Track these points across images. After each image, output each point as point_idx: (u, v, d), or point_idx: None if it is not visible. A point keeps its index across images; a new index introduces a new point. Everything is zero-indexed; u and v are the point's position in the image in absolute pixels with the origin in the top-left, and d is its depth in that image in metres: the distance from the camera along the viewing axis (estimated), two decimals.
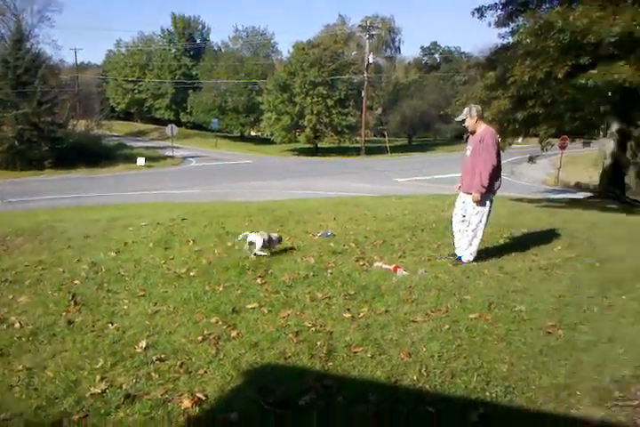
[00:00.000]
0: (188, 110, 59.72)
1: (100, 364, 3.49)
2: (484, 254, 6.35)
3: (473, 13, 14.66)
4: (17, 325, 4.28)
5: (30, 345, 3.89)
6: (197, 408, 2.90)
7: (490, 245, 6.92)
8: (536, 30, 11.34)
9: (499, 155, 5.78)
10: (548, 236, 7.57)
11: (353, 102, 47.45)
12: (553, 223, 8.68)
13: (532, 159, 17.35)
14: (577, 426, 2.62)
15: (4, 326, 4.28)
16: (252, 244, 6.37)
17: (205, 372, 3.34)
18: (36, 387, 3.21)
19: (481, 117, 5.94)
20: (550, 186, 25.12)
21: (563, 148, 23.80)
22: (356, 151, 46.36)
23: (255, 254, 6.31)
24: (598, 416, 2.71)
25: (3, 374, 3.40)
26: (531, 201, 14.58)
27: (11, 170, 32.26)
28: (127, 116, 68.85)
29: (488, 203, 5.91)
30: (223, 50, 63.07)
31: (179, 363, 3.47)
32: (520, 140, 26.96)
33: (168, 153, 39.73)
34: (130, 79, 63.11)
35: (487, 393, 2.97)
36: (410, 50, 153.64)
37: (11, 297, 5.10)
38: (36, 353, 3.74)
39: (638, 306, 4.36)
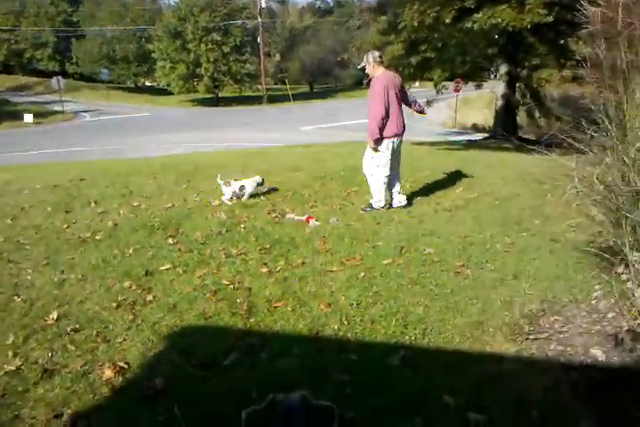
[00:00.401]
0: (74, 61, 55.58)
1: (10, 339, 3.31)
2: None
3: None
4: None
5: None
6: (120, 377, 2.84)
7: None
8: None
9: (387, 99, 5.73)
10: (449, 178, 7.88)
11: (250, 49, 46.10)
12: (453, 165, 9.01)
13: (429, 103, 17.73)
14: (493, 362, 2.80)
15: None
16: (242, 188, 6.90)
17: (124, 339, 3.26)
18: None
19: (379, 63, 5.90)
20: (449, 128, 25.99)
21: (457, 91, 24.50)
22: (258, 100, 45.48)
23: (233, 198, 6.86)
24: (512, 351, 2.90)
25: None
26: (432, 144, 15.07)
27: None
28: (7, 68, 62.93)
29: (383, 148, 5.93)
30: None
31: (95, 332, 3.37)
32: (417, 84, 27.51)
33: (57, 108, 37.10)
34: (4, 28, 57.35)
35: (406, 337, 3.10)
36: None
37: None
38: None
39: (537, 242, 4.66)
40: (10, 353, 3.14)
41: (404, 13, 11.99)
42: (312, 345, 3.07)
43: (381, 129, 5.81)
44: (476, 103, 32.01)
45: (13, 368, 2.97)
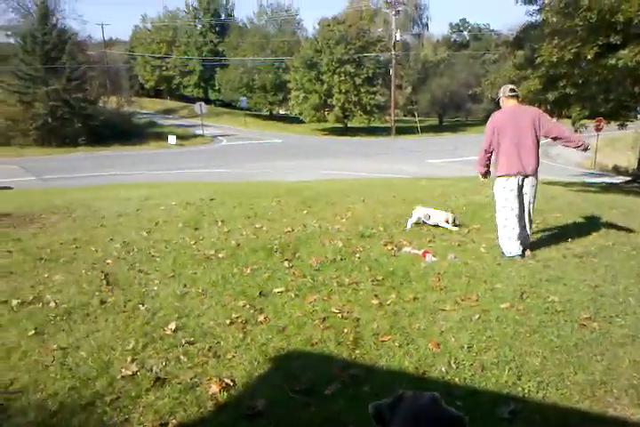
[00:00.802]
0: (216, 88, 59.64)
1: (131, 345, 3.56)
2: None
3: None
4: (52, 304, 4.39)
5: (65, 324, 3.99)
6: (225, 394, 2.93)
7: None
8: (562, 8, 10.93)
9: (496, 136, 5.60)
10: (581, 222, 7.39)
11: (381, 81, 46.74)
12: (587, 209, 8.46)
13: None
14: (615, 425, 2.54)
15: (40, 305, 4.39)
16: (427, 217, 7.00)
17: (233, 356, 3.37)
18: (70, 367, 3.29)
19: (508, 97, 5.65)
20: (587, 169, 24.52)
21: (599, 130, 23.14)
22: (385, 131, 45.85)
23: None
24: (638, 417, 2.63)
25: (38, 353, 3.50)
26: (565, 185, 14.28)
27: (45, 146, 32.86)
28: (157, 93, 69.08)
29: (497, 188, 5.69)
30: (249, 26, 62.57)
31: (207, 346, 3.51)
32: (554, 120, 26.31)
33: (198, 131, 39.90)
34: (157, 56, 63.12)
35: (519, 388, 2.91)
36: (438, 27, 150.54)
37: (46, 275, 5.24)
38: (70, 333, 3.83)
39: None
40: (129, 358, 3.36)
41: (542, 48, 11.60)
42: (417, 385, 2.96)
43: (488, 166, 5.77)
44: (619, 144, 30.02)
45: (130, 373, 3.16)
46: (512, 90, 5.62)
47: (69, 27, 40.79)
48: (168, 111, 60.97)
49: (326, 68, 44.09)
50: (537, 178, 5.61)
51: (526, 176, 5.50)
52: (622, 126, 17.49)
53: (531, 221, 5.74)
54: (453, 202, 9.23)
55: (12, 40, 42.36)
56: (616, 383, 2.92)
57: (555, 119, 19.11)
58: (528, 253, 5.63)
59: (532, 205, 5.69)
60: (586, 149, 5.67)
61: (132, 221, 7.98)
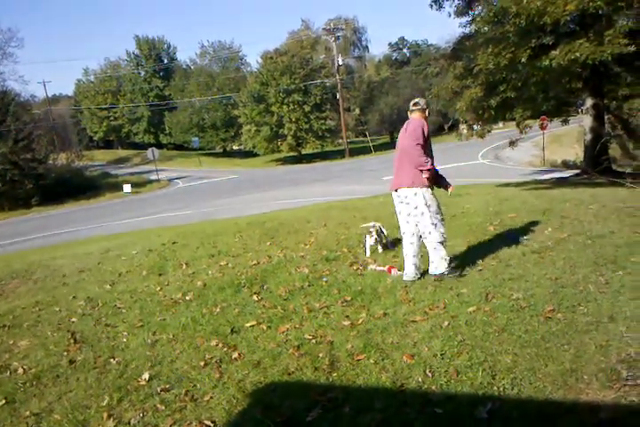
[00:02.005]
0: (167, 132, 59.74)
1: (105, 401, 3.49)
2: (476, 244, 6.38)
3: (431, 6, 14.66)
4: (20, 370, 4.29)
5: (35, 389, 3.90)
6: None
7: (480, 234, 6.93)
8: (492, 17, 11.41)
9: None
10: (537, 219, 7.58)
11: (330, 106, 47.64)
12: (541, 205, 8.70)
13: (512, 143, 17.38)
14: (589, 411, 2.60)
15: (7, 374, 4.28)
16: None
17: (211, 397, 3.33)
18: None
19: (410, 112, 5.28)
20: (537, 167, 25.17)
21: (543, 128, 23.88)
22: (340, 154, 46.48)
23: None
24: (609, 399, 2.69)
25: (11, 423, 3.41)
26: (518, 184, 14.64)
27: None
28: (107, 143, 68.80)
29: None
30: (192, 67, 63.21)
31: (184, 391, 3.47)
32: (501, 124, 27.05)
33: (153, 177, 39.63)
34: (103, 107, 62.99)
35: (494, 387, 2.95)
36: (378, 47, 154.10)
37: (11, 342, 5.12)
38: (42, 397, 3.75)
39: (634, 280, 4.35)
40: (105, 415, 3.29)
41: (478, 57, 12.02)
42: (396, 398, 2.98)
43: None
44: (565, 139, 30.97)
45: None
46: (414, 104, 5.26)
47: (11, 88, 40.49)
48: (120, 160, 60.55)
49: (274, 99, 44.68)
50: (419, 195, 5.05)
51: (403, 193, 5.16)
52: (565, 122, 18.12)
53: (435, 250, 5.15)
54: None
55: None
56: (585, 370, 2.99)
57: (501, 123, 19.71)
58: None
59: (424, 228, 5.13)
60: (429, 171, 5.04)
61: (95, 275, 7.85)
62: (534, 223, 7.25)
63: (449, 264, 5.17)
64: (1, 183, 32.67)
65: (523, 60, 11.08)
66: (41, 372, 4.20)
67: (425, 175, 4.98)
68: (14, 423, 3.39)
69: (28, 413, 3.49)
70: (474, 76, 13.34)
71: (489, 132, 16.43)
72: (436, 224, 5.08)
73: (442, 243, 5.13)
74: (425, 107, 5.21)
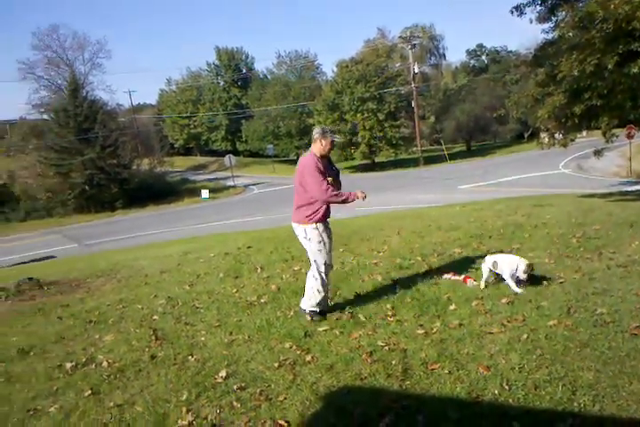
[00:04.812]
0: (244, 139, 61.20)
1: (184, 396, 3.62)
2: (558, 256, 6.15)
3: (512, 12, 14.26)
4: (105, 363, 4.51)
5: (119, 382, 4.09)
6: None
7: (562, 247, 6.68)
8: (577, 23, 10.99)
9: None
10: (623, 231, 7.23)
11: (404, 113, 47.28)
12: (627, 218, 8.29)
13: (598, 153, 16.59)
14: None
15: (93, 366, 4.51)
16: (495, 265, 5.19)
17: (285, 398, 3.39)
18: (128, 423, 3.38)
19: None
20: (623, 178, 23.98)
21: (630, 137, 22.72)
22: (413, 162, 45.98)
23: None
24: None
25: (96, 412, 3.59)
26: (602, 196, 14.02)
27: (85, 213, 34.09)
28: (187, 150, 71.33)
29: None
30: (269, 77, 64.59)
31: (259, 391, 3.55)
32: (584, 133, 25.95)
33: (230, 183, 40.74)
34: (184, 115, 65.49)
35: (574, 403, 2.85)
36: (455, 55, 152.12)
37: (97, 337, 5.38)
38: (125, 389, 3.93)
39: None
40: (184, 409, 3.41)
41: (561, 64, 11.63)
42: (471, 409, 2.93)
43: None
44: None
45: (186, 423, 3.23)
46: (317, 132, 4.96)
47: (99, 97, 42.94)
48: (199, 167, 62.65)
49: (348, 107, 44.90)
50: (309, 231, 4.92)
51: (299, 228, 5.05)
52: None
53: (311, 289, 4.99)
54: (490, 225, 9.15)
55: (45, 116, 44.78)
56: None
57: (585, 132, 18.91)
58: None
59: (312, 264, 5.00)
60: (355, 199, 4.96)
61: (174, 276, 8.17)
62: (620, 236, 6.93)
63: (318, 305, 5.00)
64: (88, 187, 34.67)
65: (609, 66, 10.60)
66: (124, 366, 4.41)
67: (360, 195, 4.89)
68: (99, 413, 3.57)
69: (112, 404, 3.68)
70: (557, 82, 12.87)
71: (572, 140, 15.77)
72: (315, 261, 4.96)
73: (319, 284, 4.94)
74: (317, 136, 4.91)
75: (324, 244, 4.94)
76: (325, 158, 5.02)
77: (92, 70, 53.61)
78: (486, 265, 5.30)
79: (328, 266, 4.99)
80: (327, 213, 5.01)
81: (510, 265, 5.04)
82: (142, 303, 6.59)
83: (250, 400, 3.43)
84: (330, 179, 4.93)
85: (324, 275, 4.95)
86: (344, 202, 4.92)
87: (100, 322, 5.99)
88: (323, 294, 4.96)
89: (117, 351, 4.82)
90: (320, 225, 4.94)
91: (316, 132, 4.96)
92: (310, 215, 4.90)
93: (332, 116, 45.50)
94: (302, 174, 4.88)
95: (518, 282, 5.03)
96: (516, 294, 4.92)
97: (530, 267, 4.98)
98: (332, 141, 4.93)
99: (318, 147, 4.93)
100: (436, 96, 59.55)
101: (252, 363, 4.08)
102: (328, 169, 5.02)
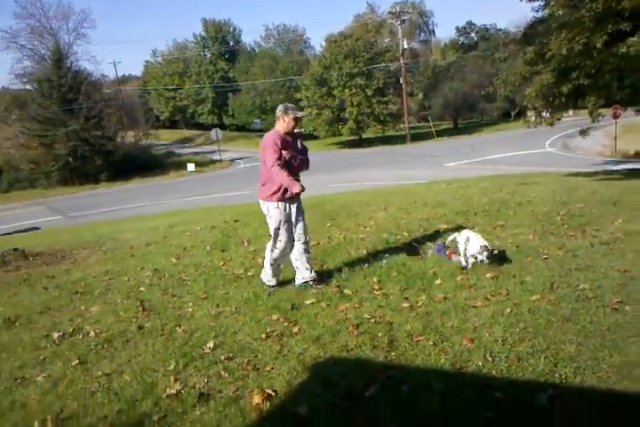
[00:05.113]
0: (230, 113, 60.57)
1: (172, 366, 3.66)
2: (542, 233, 6.23)
3: None
4: (92, 333, 4.53)
5: (106, 352, 4.12)
6: (268, 403, 3.00)
7: (547, 224, 6.76)
8: (567, 1, 10.95)
9: None
10: (607, 210, 7.33)
11: (392, 90, 46.94)
12: (611, 196, 8.38)
13: (583, 132, 16.67)
14: None
15: (80, 336, 4.53)
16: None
17: (272, 368, 3.44)
18: (116, 391, 3.40)
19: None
20: (608, 157, 24.17)
21: (616, 117, 22.83)
22: (401, 139, 45.86)
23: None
24: None
25: (84, 381, 3.61)
26: (587, 175, 14.15)
27: (69, 186, 33.73)
28: (172, 123, 70.49)
29: None
30: (257, 50, 63.64)
31: (246, 361, 3.59)
32: (571, 112, 26.00)
33: (216, 157, 40.49)
34: (170, 87, 64.49)
35: (556, 375, 2.92)
36: (445, 31, 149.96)
37: (83, 308, 5.39)
38: (112, 359, 3.95)
39: None
40: (172, 378, 3.45)
41: (550, 42, 11.59)
42: (454, 380, 2.99)
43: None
44: (639, 129, 29.51)
45: (174, 392, 3.25)
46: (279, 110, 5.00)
47: (83, 68, 41.98)
48: (185, 140, 62.01)
49: (337, 82, 44.41)
50: (271, 209, 5.02)
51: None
52: None
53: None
54: (475, 201, 9.22)
55: (28, 86, 43.85)
56: None
57: (571, 111, 18.95)
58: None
59: (271, 238, 5.17)
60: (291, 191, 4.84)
61: (161, 248, 8.16)
62: (604, 214, 7.02)
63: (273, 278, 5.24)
64: (72, 159, 34.23)
65: (598, 46, 10.60)
66: (111, 336, 4.43)
67: (295, 190, 4.77)
68: (87, 382, 3.59)
69: (99, 373, 3.71)
70: (545, 61, 12.84)
71: (559, 119, 15.81)
72: (274, 236, 5.11)
73: (273, 258, 5.15)
74: (280, 114, 4.94)
75: (284, 222, 5.03)
76: (291, 136, 5.03)
77: (76, 40, 52.49)
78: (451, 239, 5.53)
79: (287, 243, 5.10)
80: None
81: (469, 243, 5.11)
82: (128, 275, 6.60)
83: (237, 370, 3.48)
84: (286, 154, 4.88)
85: (278, 251, 5.09)
86: (281, 183, 4.86)
87: (86, 293, 5.98)
88: (276, 266, 5.19)
89: (104, 322, 4.83)
90: (282, 204, 4.99)
91: (278, 109, 4.99)
92: (273, 193, 4.96)
93: (319, 92, 45.03)
94: (263, 150, 4.91)
95: (481, 262, 5.08)
96: (464, 269, 5.06)
97: (484, 248, 4.97)
98: (296, 118, 4.93)
99: (282, 124, 4.96)
100: (425, 73, 59.05)
101: (240, 334, 4.12)
102: (293, 147, 5.03)
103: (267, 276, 5.25)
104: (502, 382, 2.92)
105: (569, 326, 3.55)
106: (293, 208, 5.10)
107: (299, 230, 5.16)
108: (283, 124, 4.94)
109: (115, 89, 55.62)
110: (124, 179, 33.84)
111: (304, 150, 5.22)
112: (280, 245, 5.08)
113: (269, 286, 5.23)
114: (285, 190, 4.89)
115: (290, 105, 5.02)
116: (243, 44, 67.15)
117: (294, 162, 4.99)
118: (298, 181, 4.92)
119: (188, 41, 67.56)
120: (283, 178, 4.73)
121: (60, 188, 33.50)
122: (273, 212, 5.00)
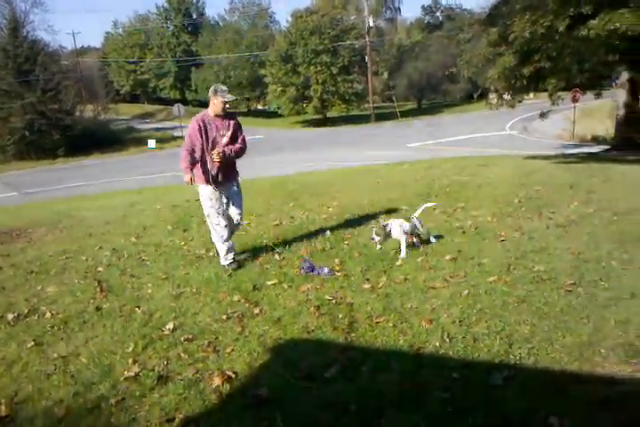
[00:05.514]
0: (193, 88, 59.29)
1: (131, 348, 3.61)
2: (499, 215, 6.36)
3: None
4: (48, 314, 4.43)
5: (62, 333, 4.04)
6: (228, 386, 3.00)
7: (505, 206, 6.90)
8: None
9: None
10: (563, 193, 7.51)
11: (358, 68, 46.68)
12: (568, 179, 8.60)
13: (543, 115, 16.97)
14: (605, 384, 2.65)
15: (36, 317, 4.43)
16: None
17: (232, 350, 3.44)
18: (72, 374, 3.35)
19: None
20: (566, 141, 24.66)
21: (575, 101, 23.27)
22: (365, 119, 45.81)
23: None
24: (625, 373, 2.73)
25: (39, 363, 3.54)
26: (545, 158, 14.43)
27: (25, 160, 32.62)
28: (133, 98, 68.54)
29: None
30: (221, 24, 62.25)
31: (206, 342, 3.58)
32: (531, 95, 26.36)
33: (177, 133, 39.59)
34: (131, 60, 62.62)
35: (511, 356, 3.01)
36: (411, 10, 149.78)
37: (39, 288, 5.27)
38: (69, 341, 3.88)
39: None
40: (130, 360, 3.42)
41: (514, 24, 11.66)
42: (412, 361, 3.05)
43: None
44: (597, 113, 30.10)
45: (132, 374, 3.22)
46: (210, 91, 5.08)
47: (40, 38, 40.29)
48: (146, 115, 60.45)
49: (302, 59, 43.85)
50: (200, 191, 5.20)
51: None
52: (598, 96, 17.61)
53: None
54: (436, 183, 9.32)
55: None
56: (603, 343, 3.03)
57: (532, 93, 19.23)
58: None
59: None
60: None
61: (120, 227, 8.01)
62: (560, 197, 7.20)
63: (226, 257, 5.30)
64: (29, 132, 33.05)
65: (560, 29, 10.72)
66: (68, 317, 4.34)
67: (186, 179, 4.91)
68: (42, 364, 3.53)
69: (55, 355, 3.64)
70: (508, 43, 12.95)
71: (519, 102, 16.04)
72: (208, 216, 5.27)
73: (218, 236, 5.25)
74: (210, 95, 5.01)
75: (213, 206, 5.13)
76: (223, 117, 5.07)
77: (33, 8, 50.14)
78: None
79: (222, 221, 5.18)
80: (218, 175, 5.07)
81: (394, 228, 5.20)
82: (86, 255, 6.46)
83: (197, 352, 3.46)
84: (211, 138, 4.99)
85: (220, 227, 5.17)
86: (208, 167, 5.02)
87: (42, 273, 5.84)
88: (224, 245, 5.22)
89: (61, 303, 4.74)
90: (208, 187, 5.06)
91: (210, 90, 5.02)
92: (199, 175, 5.06)
93: (284, 68, 44.43)
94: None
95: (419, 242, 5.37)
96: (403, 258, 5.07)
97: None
98: (224, 101, 4.95)
99: (212, 106, 5.04)
100: (390, 52, 58.84)
101: (200, 315, 4.09)
102: (224, 129, 5.06)
103: (222, 253, 5.28)
104: (459, 362, 2.99)
105: (524, 307, 3.65)
106: (224, 191, 5.16)
107: (232, 213, 5.27)
108: (213, 105, 5.03)
109: (73, 61, 53.56)
110: (82, 154, 32.86)
111: (234, 133, 5.17)
112: (216, 222, 5.17)
113: (228, 264, 5.24)
114: (214, 174, 5.01)
115: (221, 87, 5.02)
116: (206, 17, 65.45)
117: (221, 147, 5.02)
118: (229, 167, 5.12)
119: (150, 12, 65.55)
120: (181, 165, 4.92)
121: (16, 162, 32.35)
122: (202, 192, 5.14)
